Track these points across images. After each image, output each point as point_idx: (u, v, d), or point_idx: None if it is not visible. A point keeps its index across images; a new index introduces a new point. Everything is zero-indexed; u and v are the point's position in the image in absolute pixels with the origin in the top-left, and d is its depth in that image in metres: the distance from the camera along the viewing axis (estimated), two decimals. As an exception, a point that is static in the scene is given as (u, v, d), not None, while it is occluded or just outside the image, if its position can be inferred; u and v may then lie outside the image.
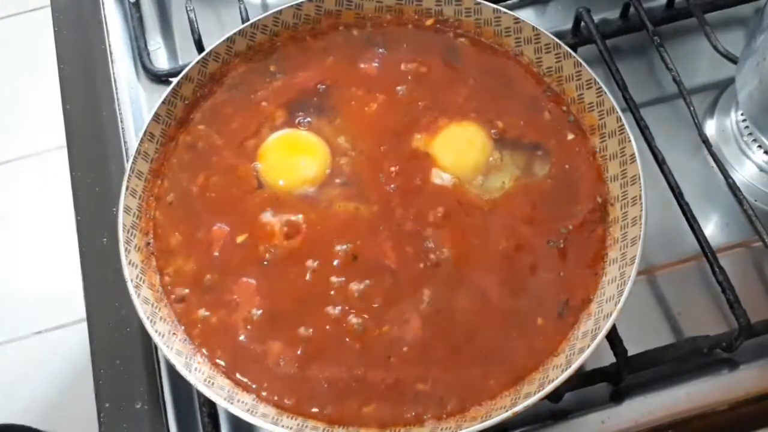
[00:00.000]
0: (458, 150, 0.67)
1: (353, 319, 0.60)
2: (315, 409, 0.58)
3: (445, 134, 0.67)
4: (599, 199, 0.64)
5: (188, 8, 0.80)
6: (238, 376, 0.59)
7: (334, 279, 0.62)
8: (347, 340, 0.60)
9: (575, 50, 0.71)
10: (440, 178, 0.66)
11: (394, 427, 0.57)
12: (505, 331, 0.60)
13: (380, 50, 0.71)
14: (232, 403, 0.56)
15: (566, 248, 0.63)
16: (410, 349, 0.59)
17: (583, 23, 0.78)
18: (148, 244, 0.64)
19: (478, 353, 0.59)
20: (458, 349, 0.60)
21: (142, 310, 0.59)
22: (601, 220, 0.64)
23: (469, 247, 0.63)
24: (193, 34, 0.78)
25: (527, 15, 0.82)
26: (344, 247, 0.63)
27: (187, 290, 0.62)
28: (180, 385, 0.66)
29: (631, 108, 0.72)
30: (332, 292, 0.61)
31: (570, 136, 0.67)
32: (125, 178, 0.64)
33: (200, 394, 0.62)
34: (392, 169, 0.66)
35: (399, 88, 0.69)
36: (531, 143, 0.67)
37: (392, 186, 0.65)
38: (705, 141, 0.72)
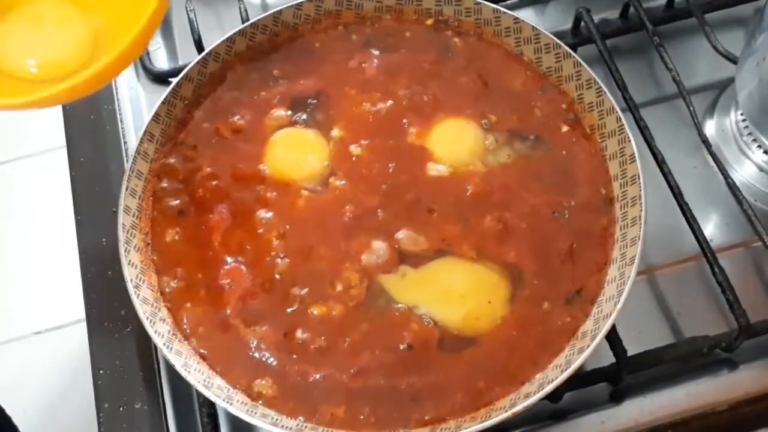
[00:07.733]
0: (453, 141, 0.67)
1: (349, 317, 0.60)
2: (314, 412, 0.57)
3: (439, 128, 0.68)
4: (603, 190, 0.65)
5: (188, 8, 0.80)
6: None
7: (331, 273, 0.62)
8: (343, 340, 0.60)
9: (575, 50, 0.71)
10: (436, 170, 0.66)
11: (393, 428, 0.57)
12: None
13: (379, 51, 0.71)
14: (231, 404, 0.56)
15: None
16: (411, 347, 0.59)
17: (582, 23, 0.78)
18: (148, 244, 0.64)
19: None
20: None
21: (142, 311, 0.59)
22: (606, 212, 0.64)
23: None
24: (193, 34, 0.78)
25: (527, 15, 0.82)
26: (344, 242, 0.63)
27: (186, 290, 0.62)
28: (179, 385, 0.65)
29: (631, 108, 0.72)
30: (332, 289, 0.61)
31: (564, 128, 0.67)
32: (125, 178, 0.64)
33: (200, 395, 0.62)
34: (390, 164, 0.66)
35: (396, 87, 0.69)
36: (526, 134, 0.68)
37: (389, 182, 0.66)
38: (705, 141, 0.71)
